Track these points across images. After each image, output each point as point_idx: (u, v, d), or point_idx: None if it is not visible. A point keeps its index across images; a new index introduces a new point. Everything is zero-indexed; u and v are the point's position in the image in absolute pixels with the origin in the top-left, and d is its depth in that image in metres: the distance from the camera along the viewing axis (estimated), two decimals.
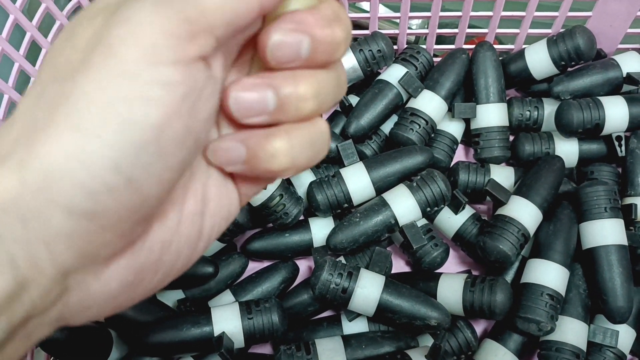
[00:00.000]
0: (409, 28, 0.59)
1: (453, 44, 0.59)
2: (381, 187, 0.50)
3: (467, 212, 0.51)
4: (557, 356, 0.44)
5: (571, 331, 0.45)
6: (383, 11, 0.60)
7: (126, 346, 0.46)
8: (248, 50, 0.21)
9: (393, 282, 0.46)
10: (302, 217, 0.53)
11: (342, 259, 0.50)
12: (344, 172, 0.50)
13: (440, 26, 0.56)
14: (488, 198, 0.50)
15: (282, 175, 0.20)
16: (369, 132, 0.53)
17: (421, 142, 0.52)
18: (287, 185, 0.51)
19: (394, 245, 0.54)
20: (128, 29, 0.16)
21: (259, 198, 0.48)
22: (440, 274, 0.49)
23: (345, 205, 0.50)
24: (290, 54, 0.18)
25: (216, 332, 0.44)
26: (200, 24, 0.16)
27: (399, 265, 0.54)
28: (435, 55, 0.59)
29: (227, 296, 0.49)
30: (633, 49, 0.56)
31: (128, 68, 0.16)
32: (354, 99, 0.56)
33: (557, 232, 0.47)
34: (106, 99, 0.16)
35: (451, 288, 0.47)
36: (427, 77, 0.56)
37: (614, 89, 0.54)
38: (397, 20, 0.56)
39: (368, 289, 0.44)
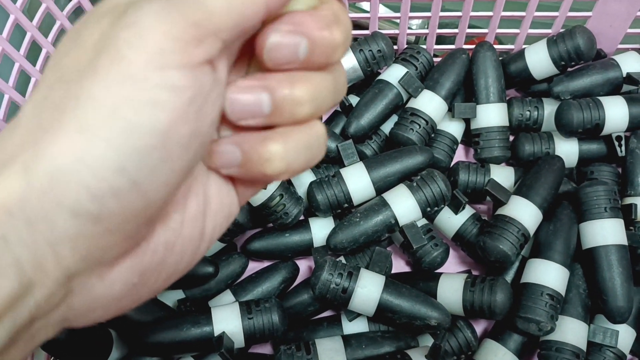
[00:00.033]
0: (409, 28, 0.59)
1: (453, 44, 0.59)
2: (381, 187, 0.50)
3: (467, 212, 0.51)
4: (557, 356, 0.44)
5: (571, 331, 0.45)
6: (383, 11, 0.60)
7: (126, 346, 0.46)
8: (246, 50, 0.21)
9: (393, 282, 0.46)
10: (302, 217, 0.53)
11: (342, 259, 0.50)
12: (344, 172, 0.50)
13: (441, 26, 0.57)
14: (488, 198, 0.50)
15: (277, 179, 0.20)
16: (369, 132, 0.53)
17: (421, 142, 0.52)
18: (287, 185, 0.51)
19: (394, 245, 0.54)
20: (136, 32, 0.16)
21: (259, 198, 0.48)
22: (440, 274, 0.49)
23: (346, 205, 0.50)
24: (287, 55, 0.18)
25: (216, 332, 0.44)
26: (207, 28, 0.16)
27: (399, 265, 0.54)
28: (435, 55, 0.59)
29: (227, 296, 0.49)
30: (633, 49, 0.56)
31: (135, 72, 0.16)
32: (354, 99, 0.56)
33: (557, 232, 0.47)
34: (113, 102, 0.16)
35: (451, 288, 0.47)
36: (427, 77, 0.56)
37: (614, 89, 0.54)
38: (397, 20, 0.56)
39: (368, 289, 0.44)
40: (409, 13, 0.54)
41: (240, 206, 0.22)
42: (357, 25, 0.59)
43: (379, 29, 0.57)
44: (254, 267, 0.53)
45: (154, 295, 0.21)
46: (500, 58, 0.56)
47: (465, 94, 0.57)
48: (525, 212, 0.46)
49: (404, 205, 0.47)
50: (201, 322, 0.44)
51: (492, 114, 0.53)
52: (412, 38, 0.61)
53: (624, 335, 0.46)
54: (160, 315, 0.46)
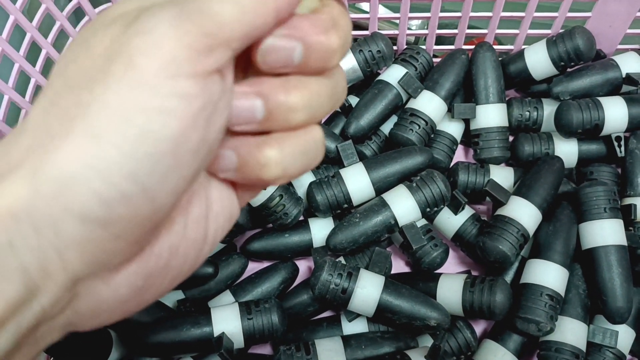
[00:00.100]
0: (409, 29, 0.59)
1: (453, 44, 0.59)
2: (381, 188, 0.50)
3: (466, 212, 0.51)
4: (556, 356, 0.44)
5: (571, 331, 0.45)
6: (383, 12, 0.60)
7: (126, 347, 0.46)
8: (245, 53, 0.21)
9: (393, 282, 0.46)
10: (301, 218, 0.53)
11: (341, 259, 0.50)
12: (343, 172, 0.50)
13: (440, 27, 0.57)
14: (488, 198, 0.50)
15: (274, 184, 0.20)
16: (368, 132, 0.53)
17: (421, 143, 0.52)
18: (287, 185, 0.51)
19: (394, 245, 0.54)
20: (149, 40, 0.16)
21: (258, 198, 0.48)
22: (440, 274, 0.49)
23: (345, 205, 0.50)
24: (282, 59, 0.18)
25: (216, 333, 0.44)
26: (218, 38, 0.16)
27: (399, 266, 0.54)
28: (434, 56, 0.59)
29: (227, 296, 0.49)
30: (632, 50, 0.56)
31: (148, 80, 0.16)
32: (353, 100, 0.56)
33: (557, 233, 0.47)
34: (125, 109, 0.16)
35: (451, 288, 0.47)
36: (426, 78, 0.56)
37: (613, 89, 0.54)
38: (397, 21, 0.56)
39: (368, 290, 0.44)
40: (409, 13, 0.54)
41: (241, 208, 0.22)
42: (356, 25, 0.59)
43: (378, 29, 0.57)
44: (253, 267, 0.53)
45: (159, 298, 0.21)
46: (499, 58, 0.56)
47: (464, 95, 0.57)
48: (524, 213, 0.46)
49: (403, 206, 0.47)
50: (201, 322, 0.44)
51: (491, 115, 0.53)
52: (412, 38, 0.61)
53: (624, 335, 0.46)
54: (160, 315, 0.46)
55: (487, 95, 0.54)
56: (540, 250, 0.47)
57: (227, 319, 0.44)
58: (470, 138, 0.55)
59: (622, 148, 0.51)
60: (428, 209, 0.48)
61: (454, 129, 0.55)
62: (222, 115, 0.18)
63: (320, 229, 0.51)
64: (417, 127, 0.52)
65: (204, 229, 0.21)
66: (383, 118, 0.54)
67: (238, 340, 0.44)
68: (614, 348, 0.45)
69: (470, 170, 0.52)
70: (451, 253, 0.53)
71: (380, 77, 0.55)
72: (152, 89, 0.16)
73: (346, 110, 0.56)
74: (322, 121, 0.59)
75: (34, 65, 0.45)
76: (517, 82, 0.57)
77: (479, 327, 0.51)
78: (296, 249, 0.51)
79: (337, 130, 0.56)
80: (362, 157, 0.53)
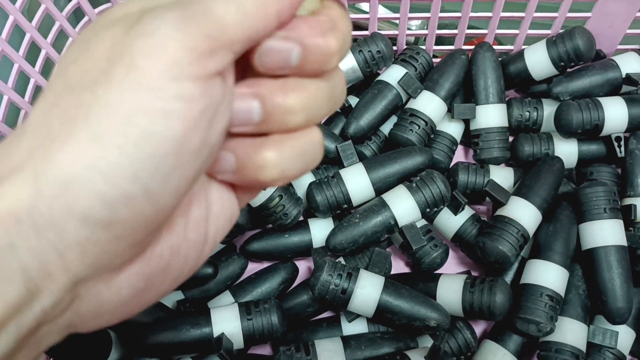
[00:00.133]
0: (409, 29, 0.59)
1: (452, 44, 0.59)
2: (381, 188, 0.50)
3: (466, 212, 0.51)
4: (556, 357, 0.44)
5: (571, 332, 0.45)
6: (382, 12, 0.60)
7: (125, 347, 0.46)
8: (243, 55, 0.21)
9: (392, 283, 0.46)
10: (301, 218, 0.53)
11: (341, 259, 0.50)
12: (343, 172, 0.50)
13: (440, 27, 0.57)
14: (487, 199, 0.50)
15: (271, 185, 0.20)
16: (368, 132, 0.53)
17: (420, 143, 0.52)
18: (287, 186, 0.51)
19: (394, 246, 0.53)
20: (152, 42, 0.16)
21: (258, 199, 0.48)
22: (440, 274, 0.49)
23: (345, 206, 0.50)
24: (278, 61, 0.18)
25: (215, 333, 0.44)
26: (220, 41, 0.16)
27: (399, 266, 0.54)
28: (434, 56, 0.59)
29: (227, 297, 0.49)
30: (632, 50, 0.56)
31: (150, 82, 0.16)
32: (353, 100, 0.56)
33: (557, 233, 0.47)
34: (127, 110, 0.16)
35: (451, 289, 0.47)
36: (426, 78, 0.56)
37: (613, 89, 0.54)
38: (397, 21, 0.56)
39: (367, 290, 0.44)
40: (408, 14, 0.54)
41: (241, 209, 0.22)
42: (356, 26, 0.59)
43: (378, 29, 0.57)
44: (253, 268, 0.53)
45: (160, 299, 0.21)
46: (499, 59, 0.56)
47: (464, 95, 0.57)
48: (524, 213, 0.46)
49: (403, 206, 0.47)
50: (200, 323, 0.44)
51: (491, 115, 0.53)
52: (412, 39, 0.61)
53: (624, 336, 0.46)
54: (159, 316, 0.46)
55: (487, 96, 0.54)
56: (540, 250, 0.47)
57: (226, 320, 0.44)
58: (470, 138, 0.55)
59: (622, 148, 0.51)
60: (428, 210, 0.48)
61: (454, 129, 0.55)
62: (223, 117, 0.18)
63: (320, 230, 0.51)
64: (417, 128, 0.52)
65: (204, 230, 0.21)
66: (383, 118, 0.54)
67: (238, 341, 0.44)
68: (614, 349, 0.45)
69: (470, 171, 0.52)
70: (451, 253, 0.52)
71: (380, 78, 0.55)
72: (154, 90, 0.16)
73: (346, 111, 0.56)
74: (322, 122, 0.59)
75: (33, 65, 0.45)
76: (517, 83, 0.57)
77: (479, 328, 0.51)
78: (296, 249, 0.51)
79: (336, 131, 0.56)
80: (361, 158, 0.53)
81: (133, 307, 0.20)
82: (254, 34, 0.17)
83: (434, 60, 0.58)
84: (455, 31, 0.57)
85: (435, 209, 0.49)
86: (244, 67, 0.20)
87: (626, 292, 0.44)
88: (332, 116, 0.58)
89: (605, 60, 0.55)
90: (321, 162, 0.54)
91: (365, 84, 0.57)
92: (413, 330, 0.46)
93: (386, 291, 0.44)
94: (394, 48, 0.57)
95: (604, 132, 0.50)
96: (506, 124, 0.54)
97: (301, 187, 0.52)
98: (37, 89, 0.46)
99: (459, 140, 0.56)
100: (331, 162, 0.54)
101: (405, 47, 0.58)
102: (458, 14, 0.55)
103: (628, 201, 0.50)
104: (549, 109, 0.55)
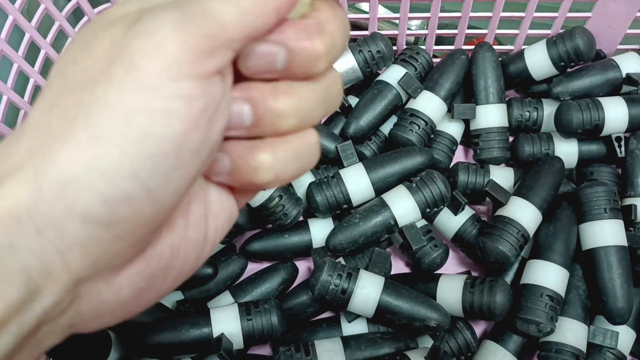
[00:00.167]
0: (409, 29, 0.59)
1: (452, 44, 0.59)
2: (381, 188, 0.50)
3: (466, 213, 0.51)
4: (556, 357, 0.44)
5: (571, 332, 0.45)
6: (382, 12, 0.60)
7: (125, 347, 0.46)
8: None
9: (392, 283, 0.45)
10: (301, 218, 0.53)
11: (341, 260, 0.50)
12: (343, 173, 0.50)
13: (440, 27, 0.56)
14: (488, 199, 0.50)
15: (267, 187, 0.20)
16: (368, 132, 0.53)
17: (420, 143, 0.52)
18: (287, 186, 0.51)
19: (394, 246, 0.53)
20: (151, 42, 0.16)
21: (258, 199, 0.48)
22: (440, 275, 0.49)
23: (345, 206, 0.50)
24: (264, 65, 0.18)
25: (215, 333, 0.43)
26: (219, 40, 0.16)
27: (399, 266, 0.54)
28: (434, 56, 0.59)
29: (226, 297, 0.49)
30: (632, 50, 0.56)
31: (150, 81, 0.16)
32: (353, 100, 0.56)
33: (557, 233, 0.47)
34: (127, 110, 0.16)
35: (451, 289, 0.47)
36: (426, 78, 0.56)
37: (613, 89, 0.54)
38: (397, 21, 0.56)
39: (367, 290, 0.44)
40: (408, 14, 0.54)
41: (240, 209, 0.22)
42: (356, 26, 0.59)
43: (378, 29, 0.56)
44: (253, 268, 0.53)
45: (160, 299, 0.21)
46: (499, 59, 0.56)
47: (464, 95, 0.57)
48: (524, 213, 0.46)
49: (403, 206, 0.47)
50: (200, 323, 0.44)
51: (491, 115, 0.53)
52: (412, 39, 0.61)
53: (624, 336, 0.45)
54: (159, 316, 0.46)
55: (487, 96, 0.54)
56: (541, 250, 0.47)
57: (226, 320, 0.44)
58: (470, 138, 0.55)
59: (622, 148, 0.51)
60: (428, 210, 0.48)
61: (454, 129, 0.55)
62: (223, 116, 0.18)
63: (319, 230, 0.51)
64: (417, 128, 0.52)
65: (204, 230, 0.21)
66: (383, 118, 0.54)
67: (237, 341, 0.44)
68: (614, 349, 0.45)
69: (470, 171, 0.52)
70: (451, 254, 0.52)
71: (379, 78, 0.55)
72: (154, 90, 0.16)
73: (346, 111, 0.56)
74: (322, 121, 0.59)
75: (32, 65, 0.45)
76: (517, 83, 0.57)
77: (479, 328, 0.51)
78: (296, 249, 0.51)
79: (336, 131, 0.56)
80: (361, 158, 0.53)
81: (134, 307, 0.20)
82: (253, 32, 0.17)
83: (434, 60, 0.58)
84: (455, 31, 0.57)
85: (435, 209, 0.49)
86: (236, 72, 0.20)
87: (626, 292, 0.44)
88: (332, 116, 0.58)
89: (606, 60, 0.55)
90: (321, 162, 0.54)
91: (365, 84, 0.57)
92: (413, 331, 0.46)
93: (386, 291, 0.44)
94: (394, 48, 0.57)
95: (604, 132, 0.50)
96: (506, 124, 0.54)
97: (301, 187, 0.52)
98: (37, 89, 0.46)
99: (459, 140, 0.56)
100: (331, 162, 0.54)
101: (405, 47, 0.58)
102: (458, 14, 0.55)
103: (628, 201, 0.50)
104: (549, 109, 0.55)
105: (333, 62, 0.19)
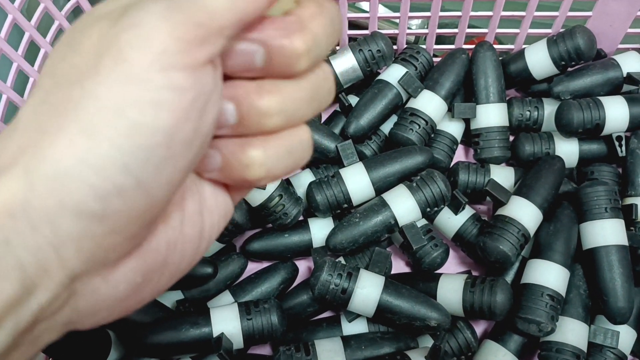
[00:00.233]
0: (409, 28, 0.59)
1: (453, 44, 0.59)
2: (381, 188, 0.49)
3: (467, 212, 0.51)
4: (557, 357, 0.43)
5: (571, 332, 0.44)
6: (382, 11, 0.60)
7: (125, 347, 0.46)
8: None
9: (393, 282, 0.45)
10: (301, 218, 0.53)
11: (341, 259, 0.50)
12: (343, 172, 0.50)
13: (440, 26, 0.56)
14: (488, 198, 0.49)
15: (258, 184, 0.20)
16: (368, 132, 0.53)
17: (421, 142, 0.52)
18: (287, 185, 0.51)
19: (394, 245, 0.53)
20: (139, 34, 0.16)
21: (258, 198, 0.48)
22: (440, 274, 0.49)
23: (345, 205, 0.50)
24: (242, 63, 0.18)
25: (215, 333, 0.43)
26: (210, 28, 0.16)
27: (399, 266, 0.54)
28: (435, 55, 0.59)
29: (226, 297, 0.49)
30: (633, 49, 0.56)
31: (139, 73, 0.16)
32: (353, 99, 0.56)
33: (558, 233, 0.47)
34: (116, 103, 0.16)
35: (451, 288, 0.46)
36: (426, 77, 0.55)
37: (614, 89, 0.53)
38: (397, 20, 0.56)
39: (368, 290, 0.44)
40: (409, 13, 0.54)
41: (234, 205, 0.22)
42: (356, 25, 0.59)
43: (378, 29, 0.56)
44: (253, 267, 0.53)
45: (157, 296, 0.21)
46: (500, 58, 0.56)
47: (465, 94, 0.57)
48: (525, 213, 0.46)
49: (403, 206, 0.47)
50: (200, 323, 0.44)
51: (492, 114, 0.53)
52: (412, 38, 0.61)
53: (625, 336, 0.45)
54: (159, 316, 0.46)
55: (487, 95, 0.54)
56: (541, 250, 0.46)
57: (226, 320, 0.44)
58: (471, 138, 0.55)
59: (623, 148, 0.51)
60: (428, 209, 0.48)
61: (454, 128, 0.55)
62: (215, 106, 0.18)
63: (320, 229, 0.51)
64: (417, 127, 0.52)
65: (200, 225, 0.21)
66: (383, 118, 0.54)
67: (237, 341, 0.44)
68: (615, 348, 0.45)
69: (471, 170, 0.52)
70: (451, 253, 0.52)
71: (380, 77, 0.55)
72: (143, 82, 0.16)
73: (346, 110, 0.56)
74: (322, 120, 0.59)
75: (32, 64, 0.45)
76: (518, 82, 0.57)
77: (480, 328, 0.51)
78: (296, 249, 0.51)
79: (337, 130, 0.56)
80: (362, 157, 0.53)
81: (131, 304, 0.20)
82: (245, 17, 0.17)
83: (434, 59, 0.58)
84: (455, 30, 0.57)
85: (436, 209, 0.49)
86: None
87: (627, 291, 0.44)
88: (332, 115, 0.58)
89: (606, 59, 0.55)
90: (321, 162, 0.54)
91: (365, 83, 0.57)
92: (413, 330, 0.46)
93: (386, 291, 0.44)
94: (394, 47, 0.57)
95: (605, 132, 0.50)
96: (507, 124, 0.54)
97: (301, 186, 0.52)
98: None
99: (459, 140, 0.56)
100: (331, 162, 0.54)
101: (405, 46, 0.58)
102: (458, 13, 0.55)
103: (629, 201, 0.50)
104: (549, 108, 0.55)
105: (316, 60, 0.19)
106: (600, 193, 0.47)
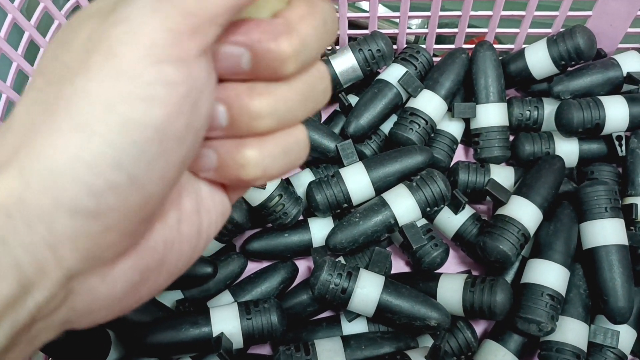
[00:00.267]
0: (409, 28, 0.59)
1: (453, 43, 0.59)
2: (381, 187, 0.49)
3: (467, 212, 0.51)
4: (557, 356, 0.43)
5: (572, 331, 0.44)
6: (382, 11, 0.59)
7: (124, 347, 0.46)
8: None
9: (393, 282, 0.45)
10: (301, 217, 0.53)
11: (341, 259, 0.50)
12: (343, 172, 0.50)
13: (440, 26, 0.56)
14: (488, 198, 0.49)
15: (254, 184, 0.20)
16: (368, 131, 0.53)
17: (421, 142, 0.52)
18: (287, 185, 0.51)
19: (394, 245, 0.53)
20: (127, 28, 0.16)
21: (258, 198, 0.48)
22: (440, 274, 0.49)
23: (345, 205, 0.50)
24: (229, 66, 0.18)
25: (215, 333, 0.43)
26: (201, 16, 0.16)
27: (399, 266, 0.54)
28: (435, 55, 0.59)
29: (226, 296, 0.49)
30: (633, 49, 0.56)
31: (129, 68, 0.15)
32: (353, 99, 0.56)
33: (558, 232, 0.47)
34: (107, 99, 0.15)
35: (451, 288, 0.46)
36: (426, 77, 0.55)
37: (614, 88, 0.53)
38: (397, 20, 0.56)
39: (367, 289, 0.44)
40: (409, 12, 0.54)
41: (232, 204, 0.22)
42: (356, 24, 0.59)
43: (378, 28, 0.56)
44: (253, 267, 0.53)
45: (155, 295, 0.21)
46: (500, 58, 0.56)
47: (465, 94, 0.57)
48: (525, 212, 0.46)
49: (403, 205, 0.47)
50: (200, 322, 0.44)
51: (491, 114, 0.53)
52: (412, 38, 0.61)
53: (625, 335, 0.45)
54: (158, 315, 0.46)
55: (487, 95, 0.54)
56: (541, 250, 0.46)
57: (226, 319, 0.44)
58: (471, 137, 0.55)
59: (623, 147, 0.51)
60: (428, 209, 0.48)
61: (454, 128, 0.55)
62: (208, 100, 0.17)
63: (319, 229, 0.51)
64: (417, 127, 0.52)
65: (198, 224, 0.20)
66: (383, 117, 0.54)
67: (237, 341, 0.44)
68: (615, 348, 0.45)
69: (471, 170, 0.52)
70: (451, 253, 0.52)
71: (380, 76, 0.55)
72: (134, 77, 0.15)
73: (346, 110, 0.56)
74: (322, 120, 0.59)
75: (32, 64, 0.45)
76: (518, 81, 0.57)
77: (480, 327, 0.51)
78: (296, 248, 0.51)
79: (336, 130, 0.56)
80: (361, 157, 0.53)
81: (128, 302, 0.20)
82: (237, 2, 0.16)
83: (434, 59, 0.58)
84: (455, 30, 0.57)
85: (436, 208, 0.49)
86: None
87: (627, 291, 0.44)
88: (332, 115, 0.58)
89: (606, 59, 0.55)
90: (321, 161, 0.54)
91: (365, 83, 0.57)
92: (413, 330, 0.46)
93: (386, 290, 0.44)
94: (394, 47, 0.57)
95: (605, 131, 0.50)
96: (507, 123, 0.54)
97: (301, 186, 0.52)
98: None
99: (459, 140, 0.56)
100: (331, 161, 0.54)
101: (405, 46, 0.58)
102: (458, 13, 0.55)
103: (629, 200, 0.50)
104: (549, 108, 0.55)
105: (305, 62, 0.18)
106: (600, 193, 0.47)
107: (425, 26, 0.57)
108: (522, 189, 0.48)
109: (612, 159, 0.52)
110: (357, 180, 0.49)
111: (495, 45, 0.57)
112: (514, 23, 0.56)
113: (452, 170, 0.53)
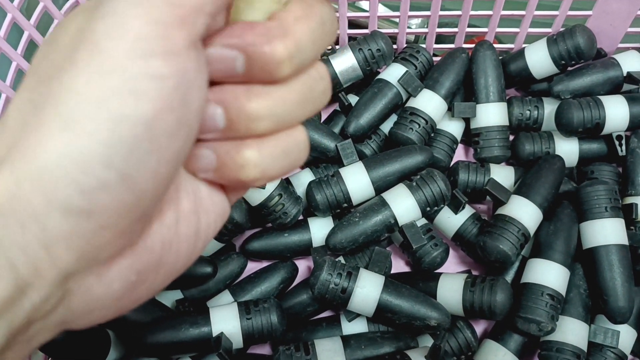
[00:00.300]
0: (409, 27, 0.59)
1: (453, 43, 0.59)
2: (381, 187, 0.49)
3: (467, 211, 0.51)
4: (557, 356, 0.43)
5: (572, 331, 0.44)
6: (382, 10, 0.59)
7: (124, 347, 0.46)
8: None
9: (393, 282, 0.45)
10: (301, 217, 0.53)
11: (341, 258, 0.50)
12: (343, 171, 0.50)
13: (440, 25, 0.56)
14: (488, 198, 0.49)
15: (253, 185, 0.20)
16: (368, 131, 0.53)
17: (421, 142, 0.52)
18: (286, 184, 0.51)
19: (394, 245, 0.53)
20: (113, 22, 0.15)
21: (257, 198, 0.48)
22: (440, 274, 0.49)
23: (345, 205, 0.50)
24: (223, 69, 0.18)
25: (215, 333, 0.43)
26: (188, 6, 0.16)
27: (399, 265, 0.54)
28: (434, 55, 0.59)
29: (226, 296, 0.49)
30: (633, 48, 0.56)
31: (116, 63, 0.15)
32: (353, 99, 0.56)
33: (558, 232, 0.47)
34: (95, 95, 0.15)
35: (451, 288, 0.46)
36: (426, 77, 0.55)
37: (614, 88, 0.53)
38: (397, 20, 0.56)
39: (367, 289, 0.44)
40: (409, 12, 0.54)
41: (231, 205, 0.22)
42: (356, 24, 0.59)
43: (378, 28, 0.56)
44: (252, 267, 0.53)
45: (153, 295, 0.20)
46: (500, 57, 0.56)
47: (465, 94, 0.57)
48: (525, 212, 0.46)
49: (403, 205, 0.47)
50: (199, 322, 0.44)
51: (492, 114, 0.53)
52: (412, 37, 0.61)
53: (625, 335, 0.45)
54: (158, 315, 0.46)
55: (487, 94, 0.54)
56: (541, 249, 0.46)
57: (225, 319, 0.44)
58: (471, 137, 0.55)
59: (623, 147, 0.51)
60: (428, 208, 0.48)
61: (454, 128, 0.55)
62: (199, 93, 0.17)
63: (319, 229, 0.51)
64: (417, 126, 0.52)
65: (196, 224, 0.20)
66: (383, 117, 0.54)
67: (237, 340, 0.44)
68: (615, 348, 0.45)
69: (471, 170, 0.52)
70: (451, 253, 0.52)
71: (380, 76, 0.55)
72: (121, 71, 0.15)
73: (346, 109, 0.56)
74: (322, 120, 0.59)
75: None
76: (518, 81, 0.57)
77: (480, 327, 0.51)
78: (295, 248, 0.51)
79: (336, 129, 0.56)
80: (361, 156, 0.53)
81: (126, 303, 0.19)
82: None
83: (434, 58, 0.58)
84: (455, 30, 0.57)
85: (436, 208, 0.49)
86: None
87: (627, 291, 0.44)
88: (332, 115, 0.58)
89: (606, 58, 0.54)
90: (321, 161, 0.54)
91: (365, 83, 0.57)
92: (413, 330, 0.46)
93: (386, 290, 0.44)
94: (394, 46, 0.57)
95: (605, 131, 0.50)
96: (507, 123, 0.54)
97: (301, 185, 0.52)
98: None
99: (459, 139, 0.56)
100: (331, 161, 0.54)
101: (405, 45, 0.58)
102: (458, 13, 0.55)
103: (629, 200, 0.50)
104: (549, 107, 0.55)
105: (301, 65, 0.18)
106: (601, 192, 0.47)
107: (425, 26, 0.57)
108: (522, 188, 0.48)
109: (612, 159, 0.52)
110: (357, 180, 0.49)
111: (495, 45, 0.56)
112: (514, 23, 0.56)
113: (452, 170, 0.53)
